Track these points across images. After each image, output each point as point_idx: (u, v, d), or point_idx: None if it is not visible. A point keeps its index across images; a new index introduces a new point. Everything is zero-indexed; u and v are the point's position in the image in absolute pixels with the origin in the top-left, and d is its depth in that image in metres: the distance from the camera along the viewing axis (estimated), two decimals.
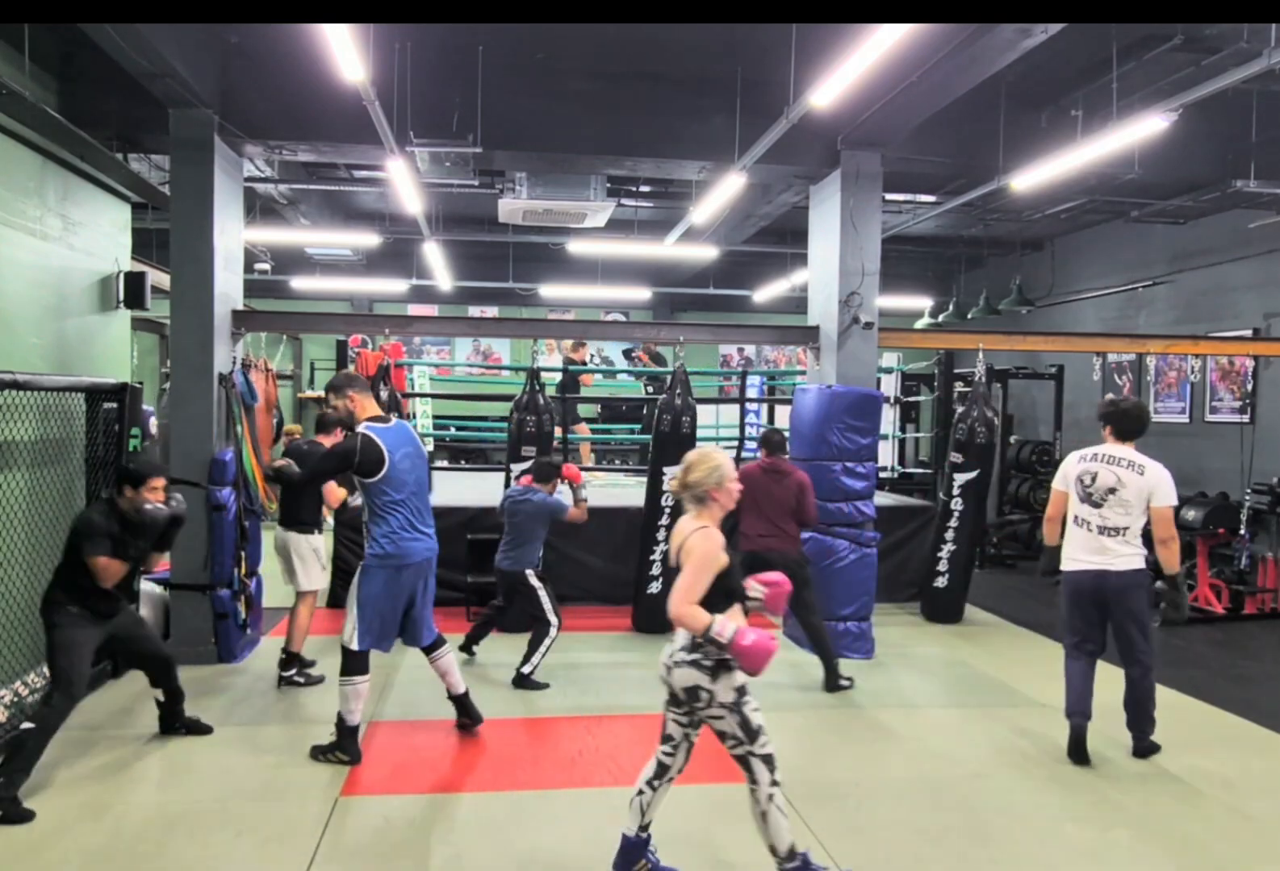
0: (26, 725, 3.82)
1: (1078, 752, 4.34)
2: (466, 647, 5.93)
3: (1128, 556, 4.29)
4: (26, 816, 3.61)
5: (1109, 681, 4.64)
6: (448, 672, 4.58)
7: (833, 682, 5.43)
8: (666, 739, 3.19)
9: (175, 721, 4.52)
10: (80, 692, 4.04)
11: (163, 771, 4.14)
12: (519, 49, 6.31)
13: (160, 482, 4.23)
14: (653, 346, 12.04)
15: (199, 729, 4.55)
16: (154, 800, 3.85)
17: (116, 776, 4.03)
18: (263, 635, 6.29)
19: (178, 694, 4.51)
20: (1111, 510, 4.31)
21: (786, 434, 6.45)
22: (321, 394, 12.72)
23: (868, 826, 3.72)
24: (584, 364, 10.56)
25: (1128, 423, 4.48)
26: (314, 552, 5.53)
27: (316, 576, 5.56)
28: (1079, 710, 4.38)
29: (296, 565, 5.46)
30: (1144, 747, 4.45)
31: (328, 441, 5.31)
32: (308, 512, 5.53)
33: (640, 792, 3.17)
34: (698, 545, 2.99)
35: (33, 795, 3.78)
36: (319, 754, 4.26)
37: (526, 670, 5.44)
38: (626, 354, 14.48)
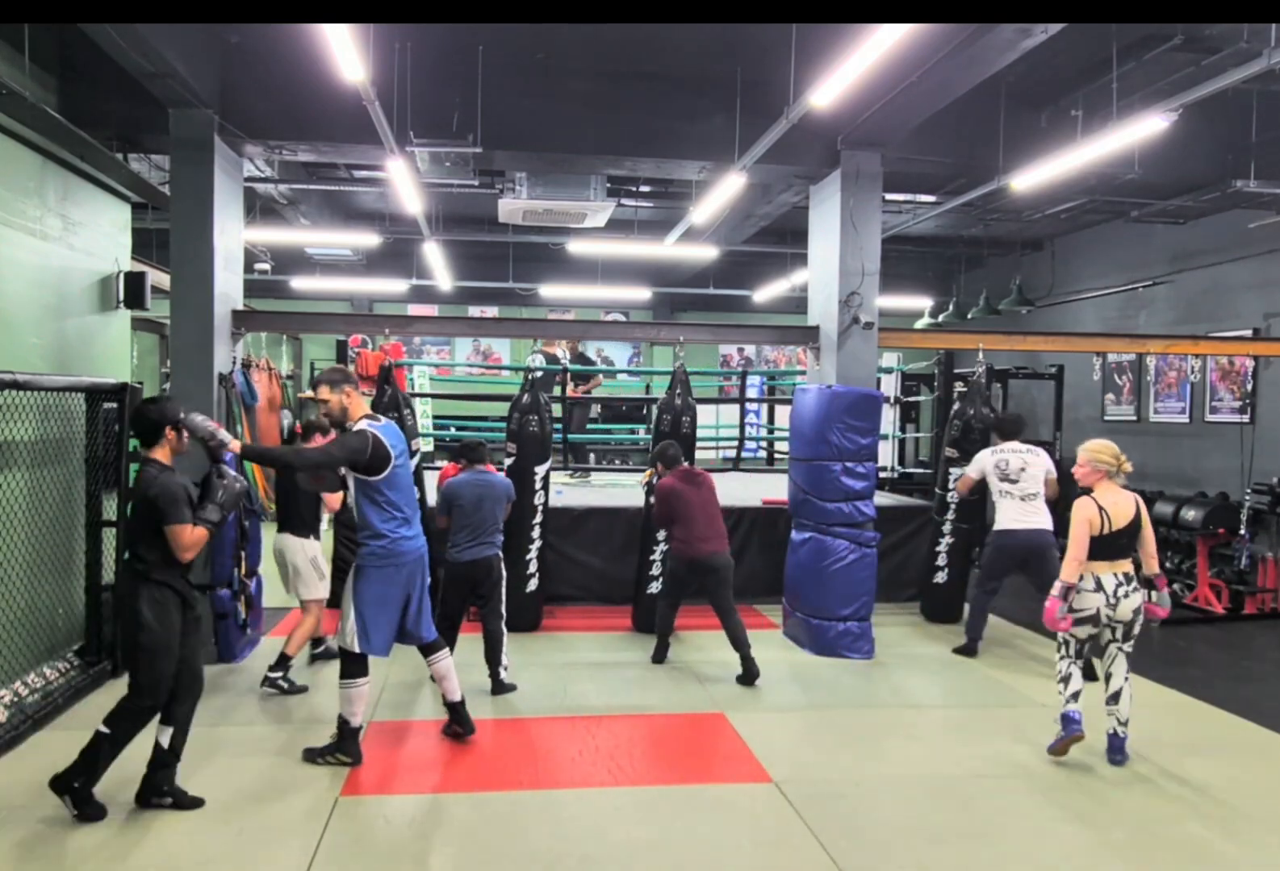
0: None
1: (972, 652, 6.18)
2: None
3: (1045, 520, 6.01)
4: (99, 814, 3.62)
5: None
6: (444, 677, 4.47)
7: (751, 672, 5.49)
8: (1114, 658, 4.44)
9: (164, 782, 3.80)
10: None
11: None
12: (519, 49, 6.32)
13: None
14: (576, 345, 11.49)
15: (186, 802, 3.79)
16: (152, 799, 3.84)
17: (116, 776, 4.02)
18: (263, 635, 6.29)
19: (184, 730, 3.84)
20: (1026, 482, 6.04)
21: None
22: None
23: (868, 826, 3.71)
24: (557, 360, 10.41)
25: (1010, 426, 6.39)
26: (310, 561, 5.36)
27: (315, 585, 5.40)
28: (980, 635, 6.24)
29: (291, 574, 5.35)
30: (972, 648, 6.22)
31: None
32: (306, 515, 5.38)
33: (1108, 714, 4.40)
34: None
35: (35, 793, 3.77)
36: (316, 756, 4.22)
37: (506, 676, 5.29)
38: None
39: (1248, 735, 4.84)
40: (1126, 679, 4.38)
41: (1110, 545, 4.28)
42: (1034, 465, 6.08)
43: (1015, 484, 6.01)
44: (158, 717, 3.75)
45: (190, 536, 3.62)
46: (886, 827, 3.70)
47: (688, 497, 5.66)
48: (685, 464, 5.93)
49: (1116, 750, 4.37)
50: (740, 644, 5.54)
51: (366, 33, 5.03)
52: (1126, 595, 4.29)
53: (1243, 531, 7.65)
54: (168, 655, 3.65)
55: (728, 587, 5.64)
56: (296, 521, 5.37)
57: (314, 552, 5.39)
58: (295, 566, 5.31)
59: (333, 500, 5.38)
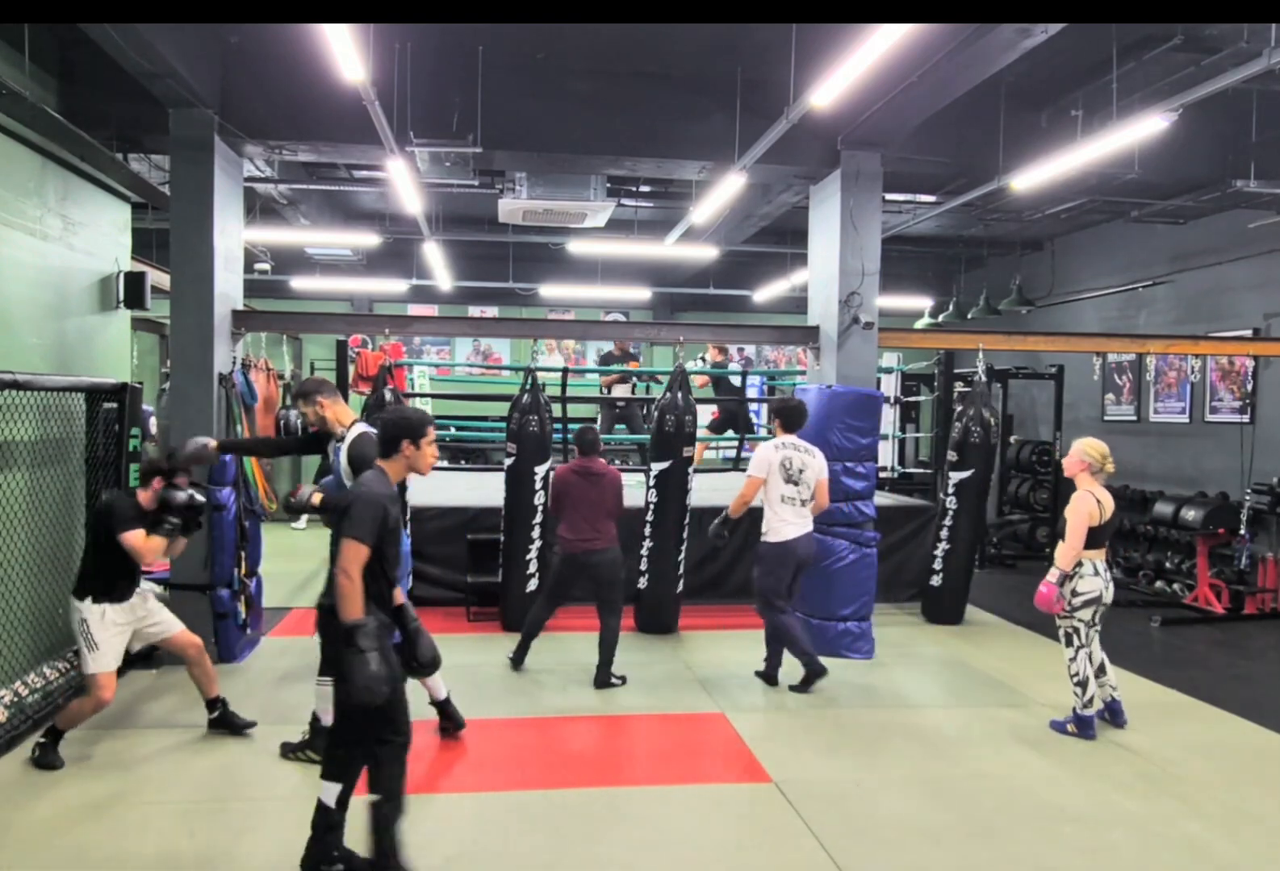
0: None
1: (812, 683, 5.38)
2: None
3: (811, 525, 5.45)
4: None
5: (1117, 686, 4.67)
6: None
7: (603, 679, 5.41)
8: (1092, 640, 4.79)
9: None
10: None
11: (163, 770, 4.13)
12: (519, 49, 6.32)
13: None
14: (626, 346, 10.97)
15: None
16: (154, 799, 3.84)
17: (117, 775, 4.03)
18: (263, 635, 6.29)
19: None
20: (804, 486, 5.39)
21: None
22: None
23: (868, 826, 3.71)
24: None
25: (795, 417, 5.50)
26: (83, 625, 4.13)
27: (92, 659, 4.13)
28: (815, 653, 5.38)
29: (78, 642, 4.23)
30: (773, 676, 5.54)
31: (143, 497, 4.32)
32: (93, 575, 4.23)
33: (1100, 685, 4.80)
34: None
35: (35, 792, 3.79)
36: (289, 752, 4.24)
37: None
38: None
39: (1248, 735, 4.85)
40: (1102, 651, 4.90)
41: (1102, 534, 4.72)
42: (811, 467, 5.40)
43: (796, 486, 5.35)
44: (321, 774, 3.26)
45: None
46: (886, 827, 3.70)
47: (575, 492, 5.47)
48: (594, 456, 5.61)
49: (1119, 713, 4.84)
50: (603, 646, 5.43)
51: (366, 33, 5.03)
52: (1110, 583, 4.77)
53: (1243, 531, 7.65)
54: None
55: (610, 589, 5.47)
56: (81, 582, 4.29)
57: (88, 615, 4.15)
58: (76, 631, 4.21)
59: (148, 555, 4.29)
